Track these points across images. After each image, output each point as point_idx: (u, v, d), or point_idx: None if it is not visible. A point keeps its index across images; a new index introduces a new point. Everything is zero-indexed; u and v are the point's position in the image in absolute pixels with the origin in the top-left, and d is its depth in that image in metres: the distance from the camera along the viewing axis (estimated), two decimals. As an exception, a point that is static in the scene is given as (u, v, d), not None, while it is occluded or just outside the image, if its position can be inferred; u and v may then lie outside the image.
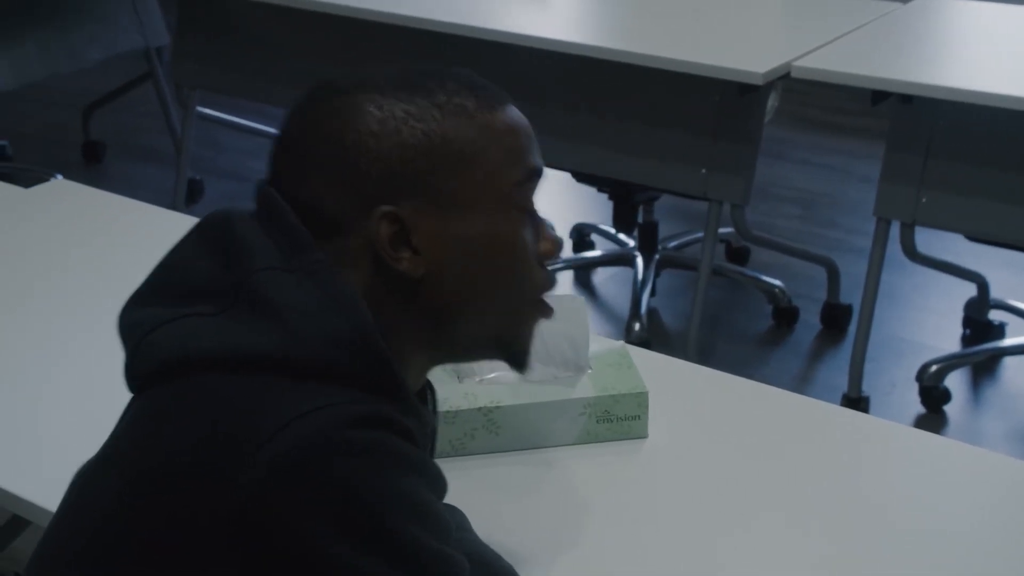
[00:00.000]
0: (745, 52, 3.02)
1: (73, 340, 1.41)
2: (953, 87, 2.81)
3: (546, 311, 1.25)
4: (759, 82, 2.90)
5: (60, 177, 2.51)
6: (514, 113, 1.20)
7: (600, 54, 3.13)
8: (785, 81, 3.13)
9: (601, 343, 1.72)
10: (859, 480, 1.59)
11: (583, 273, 3.93)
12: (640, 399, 1.63)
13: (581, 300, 1.66)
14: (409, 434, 1.08)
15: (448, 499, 1.50)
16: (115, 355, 1.16)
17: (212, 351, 1.09)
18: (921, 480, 1.61)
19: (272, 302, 1.10)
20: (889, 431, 1.75)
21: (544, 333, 1.62)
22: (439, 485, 1.15)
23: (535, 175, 1.20)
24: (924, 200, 3.01)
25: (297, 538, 1.02)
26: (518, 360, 1.24)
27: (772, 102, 3.44)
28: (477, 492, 1.55)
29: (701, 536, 1.48)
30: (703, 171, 3.23)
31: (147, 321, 1.14)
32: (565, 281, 3.86)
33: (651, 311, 3.65)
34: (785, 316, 3.63)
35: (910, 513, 1.53)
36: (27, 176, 2.82)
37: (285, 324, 1.09)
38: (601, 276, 3.91)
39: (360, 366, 1.10)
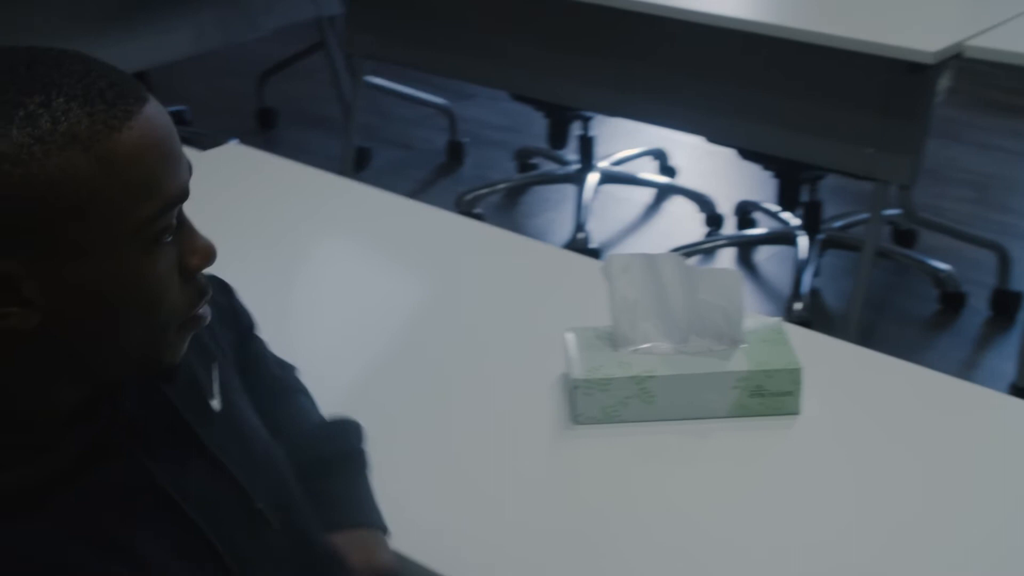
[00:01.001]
0: (917, 30, 2.97)
1: (245, 293, 1.48)
2: None
3: (197, 323, 1.12)
4: (929, 61, 2.85)
5: (235, 142, 2.60)
6: (147, 127, 1.01)
7: (767, 31, 3.10)
8: (960, 61, 3.08)
9: (757, 319, 1.73)
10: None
11: (745, 251, 3.91)
12: (793, 375, 1.63)
13: (737, 273, 1.66)
14: None
15: (597, 468, 1.57)
16: (286, 311, 1.20)
17: None
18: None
19: None
20: None
21: (699, 306, 1.66)
22: None
23: (172, 202, 1.04)
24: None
25: None
26: (165, 375, 1.14)
27: (945, 82, 3.38)
28: (629, 459, 1.60)
29: (848, 517, 1.49)
30: (870, 150, 3.18)
31: None
32: (727, 258, 3.86)
33: (813, 291, 3.62)
34: (952, 301, 3.57)
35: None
36: (204, 140, 2.91)
37: None
38: (763, 254, 3.89)
39: None
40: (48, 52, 1.00)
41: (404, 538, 1.42)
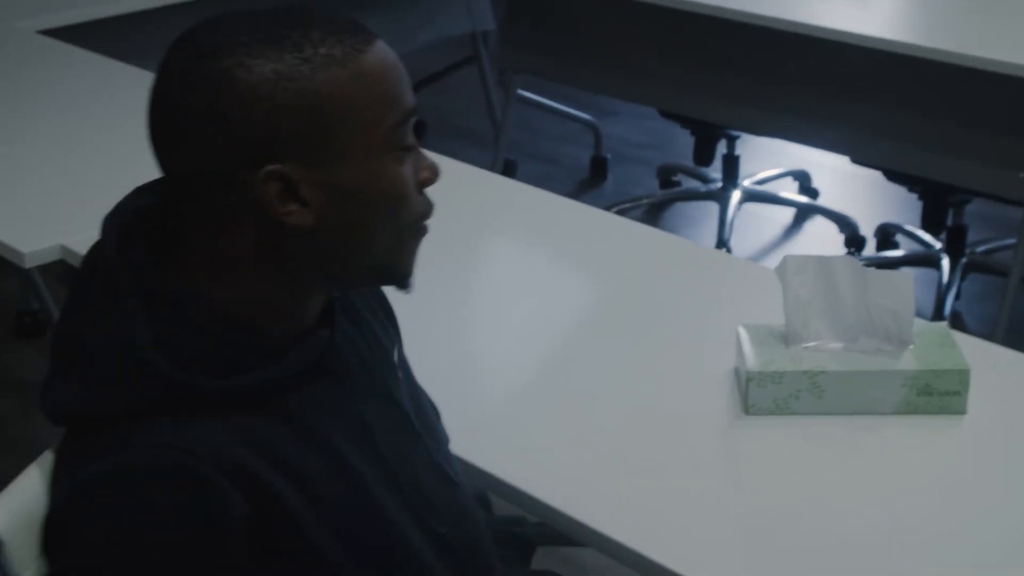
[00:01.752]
0: None
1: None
2: None
3: (423, 232, 1.26)
4: (1088, 86, 2.88)
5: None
6: (381, 52, 1.18)
7: (918, 52, 3.12)
8: None
9: (923, 323, 1.77)
10: None
11: (886, 272, 3.94)
12: (962, 376, 1.67)
13: (909, 275, 1.71)
14: (187, 462, 1.09)
15: (768, 457, 1.63)
16: (459, 307, 1.25)
17: (62, 417, 1.18)
18: None
19: (89, 358, 1.15)
20: None
21: (871, 307, 1.71)
22: (190, 536, 1.11)
23: (409, 114, 1.19)
24: None
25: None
26: (403, 282, 1.26)
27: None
28: (798, 449, 1.65)
29: (1011, 518, 1.52)
30: (1021, 175, 3.21)
31: (47, 377, 1.20)
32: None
33: (954, 314, 3.63)
34: (1097, 329, 3.57)
35: None
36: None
37: (98, 374, 1.14)
38: (904, 277, 3.91)
39: (162, 398, 1.13)
40: (294, 5, 1.18)
41: (595, 512, 1.50)
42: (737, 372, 1.76)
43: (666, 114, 4.09)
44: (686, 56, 3.78)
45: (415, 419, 1.36)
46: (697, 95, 3.84)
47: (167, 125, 1.16)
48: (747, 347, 1.73)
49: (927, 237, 3.87)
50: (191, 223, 1.18)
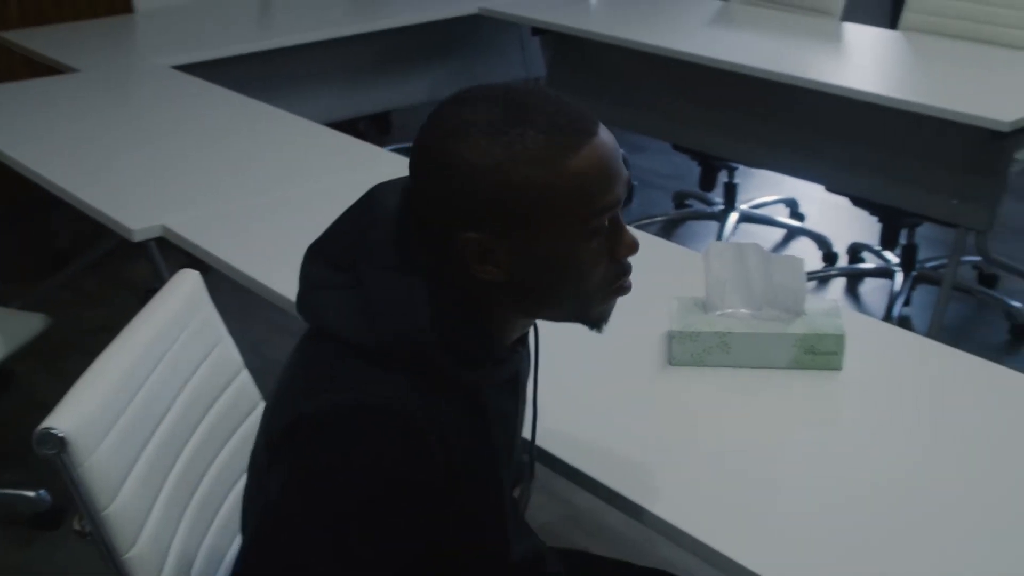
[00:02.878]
0: (999, 104, 3.01)
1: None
2: None
3: (621, 292, 1.28)
4: (1005, 129, 2.90)
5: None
6: (592, 154, 1.17)
7: (879, 100, 3.16)
8: None
9: (820, 301, 1.85)
10: None
11: (852, 282, 3.97)
12: (839, 339, 1.75)
13: (800, 260, 1.79)
14: (413, 424, 1.15)
15: (685, 398, 1.71)
16: None
17: (328, 328, 1.21)
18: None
19: (371, 301, 1.19)
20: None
21: (772, 284, 1.81)
22: (409, 478, 1.17)
23: (606, 209, 1.19)
24: None
25: (278, 476, 1.18)
26: (595, 327, 1.30)
27: (1025, 152, 3.43)
28: (709, 394, 1.73)
29: (868, 448, 1.61)
30: (954, 201, 3.25)
31: (309, 279, 1.26)
32: (837, 287, 3.94)
33: (902, 318, 3.66)
34: (1021, 333, 3.58)
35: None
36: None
37: (373, 320, 1.18)
38: (867, 286, 3.95)
39: (416, 360, 1.18)
40: (532, 93, 1.19)
41: (552, 442, 1.59)
42: (667, 333, 1.86)
43: (678, 147, 4.17)
44: (695, 99, 3.86)
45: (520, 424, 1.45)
46: (703, 132, 3.91)
47: (415, 175, 1.21)
48: (675, 313, 1.83)
49: (888, 254, 3.91)
50: (430, 244, 1.22)
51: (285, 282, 2.07)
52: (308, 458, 1.17)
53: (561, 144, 1.16)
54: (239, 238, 2.31)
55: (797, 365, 1.77)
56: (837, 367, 1.77)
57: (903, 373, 1.80)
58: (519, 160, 1.15)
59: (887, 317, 3.59)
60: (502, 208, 1.16)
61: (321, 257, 1.27)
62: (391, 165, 2.76)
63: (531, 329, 1.39)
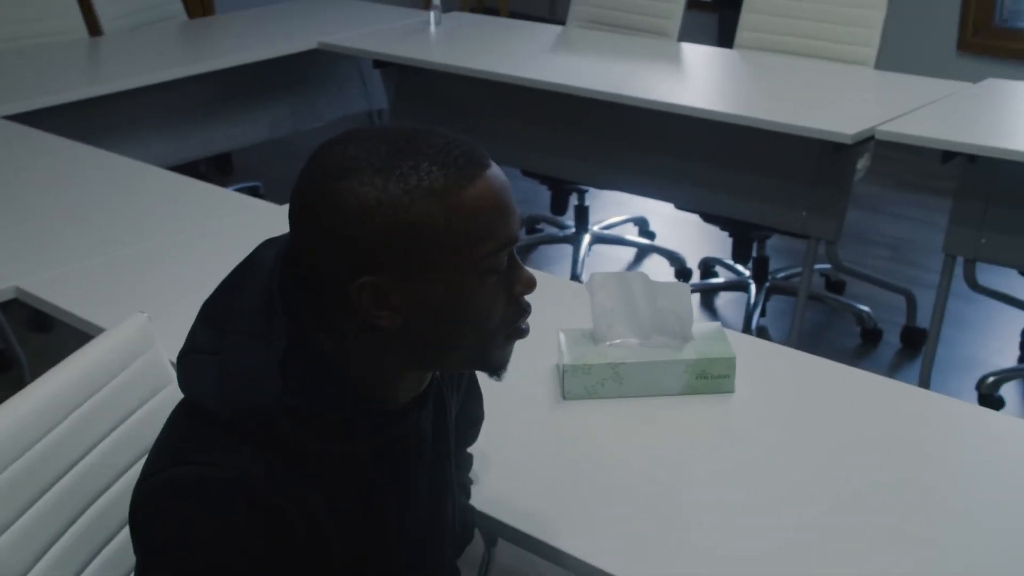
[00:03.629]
0: (840, 118, 3.11)
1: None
2: (1010, 148, 2.87)
3: (519, 335, 1.23)
4: (848, 141, 3.00)
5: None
6: (487, 186, 1.13)
7: (724, 118, 3.24)
8: (884, 149, 3.23)
9: (703, 324, 1.87)
10: (909, 441, 1.70)
11: (707, 296, 4.04)
12: (729, 362, 1.77)
13: (686, 286, 1.81)
14: (259, 493, 1.09)
15: (582, 432, 1.69)
16: None
17: (188, 392, 1.17)
18: (968, 450, 1.72)
19: (226, 369, 1.13)
20: (939, 403, 1.81)
21: (658, 311, 1.82)
22: (253, 554, 1.11)
23: (504, 245, 1.15)
24: (984, 240, 3.09)
25: (135, 546, 1.15)
26: (493, 373, 1.24)
27: (865, 162, 3.55)
28: (605, 425, 1.72)
29: (765, 466, 1.63)
30: (803, 213, 3.34)
31: (187, 339, 1.20)
32: (692, 301, 3.99)
33: (760, 328, 3.75)
34: (871, 336, 3.70)
35: (948, 471, 1.65)
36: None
37: (226, 390, 1.13)
38: (722, 299, 4.03)
39: (274, 433, 1.12)
40: (418, 130, 1.14)
41: None
42: (557, 367, 1.84)
43: (527, 173, 4.18)
44: (541, 124, 3.88)
45: (454, 471, 1.38)
46: (550, 157, 3.92)
47: (299, 225, 1.14)
48: (564, 346, 1.82)
49: (739, 267, 4.00)
50: (314, 298, 1.16)
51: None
52: (152, 535, 1.13)
53: (456, 176, 1.11)
54: (92, 293, 2.20)
55: (690, 391, 1.78)
56: (730, 390, 1.78)
57: (791, 390, 1.83)
58: (415, 193, 1.09)
59: (746, 329, 3.66)
60: (399, 245, 1.10)
61: (204, 317, 1.21)
62: (236, 206, 2.70)
63: (436, 394, 1.33)
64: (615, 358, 1.77)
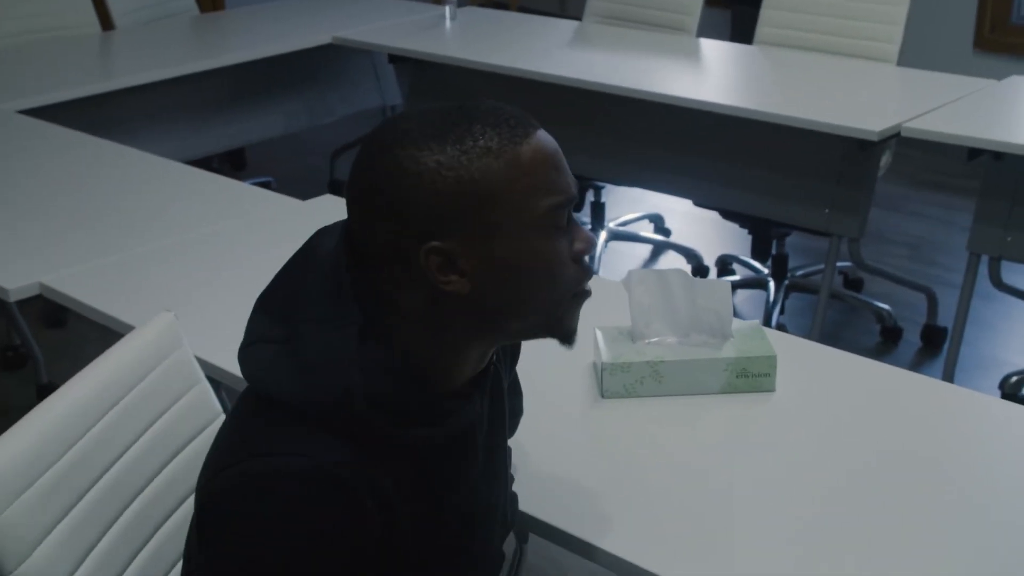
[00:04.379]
0: (865, 115, 3.09)
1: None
2: None
3: (584, 296, 1.23)
4: (874, 139, 2.98)
5: (328, 195, 2.74)
6: (540, 144, 1.15)
7: (744, 114, 3.22)
8: (904, 147, 3.21)
9: (742, 323, 1.85)
10: (945, 441, 1.69)
11: (725, 294, 4.03)
12: (770, 361, 1.75)
13: (726, 283, 1.79)
14: (341, 486, 1.09)
15: (621, 431, 1.67)
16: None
17: (260, 385, 1.16)
18: (997, 442, 1.71)
19: (301, 358, 1.13)
20: (973, 400, 1.80)
21: (698, 309, 1.80)
22: (334, 542, 1.10)
23: (564, 201, 1.16)
24: (1009, 239, 3.07)
25: (204, 551, 1.13)
26: (565, 339, 1.24)
27: (887, 159, 3.53)
28: (644, 424, 1.70)
29: (808, 465, 1.61)
30: (826, 210, 3.32)
31: (249, 331, 1.21)
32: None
33: (779, 326, 3.72)
34: (891, 335, 3.68)
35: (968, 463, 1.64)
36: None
37: (303, 379, 1.12)
38: (740, 297, 4.01)
39: (348, 420, 1.12)
40: (466, 101, 1.17)
41: None
42: (595, 365, 1.82)
43: (543, 170, 4.15)
44: (558, 120, 3.81)
45: (506, 461, 1.38)
46: (568, 152, 3.87)
47: (360, 203, 1.15)
48: (602, 344, 1.80)
49: (757, 264, 3.97)
50: (380, 278, 1.16)
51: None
52: (230, 529, 1.11)
53: (509, 134, 1.13)
54: (109, 289, 2.18)
55: (730, 389, 1.76)
56: (771, 388, 1.77)
57: (833, 389, 1.81)
58: (472, 153, 1.11)
59: (766, 327, 3.62)
60: (462, 206, 1.11)
61: (263, 309, 1.21)
62: (253, 200, 2.68)
63: (495, 380, 1.32)
64: (654, 356, 1.75)
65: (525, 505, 1.52)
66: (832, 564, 1.41)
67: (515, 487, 1.54)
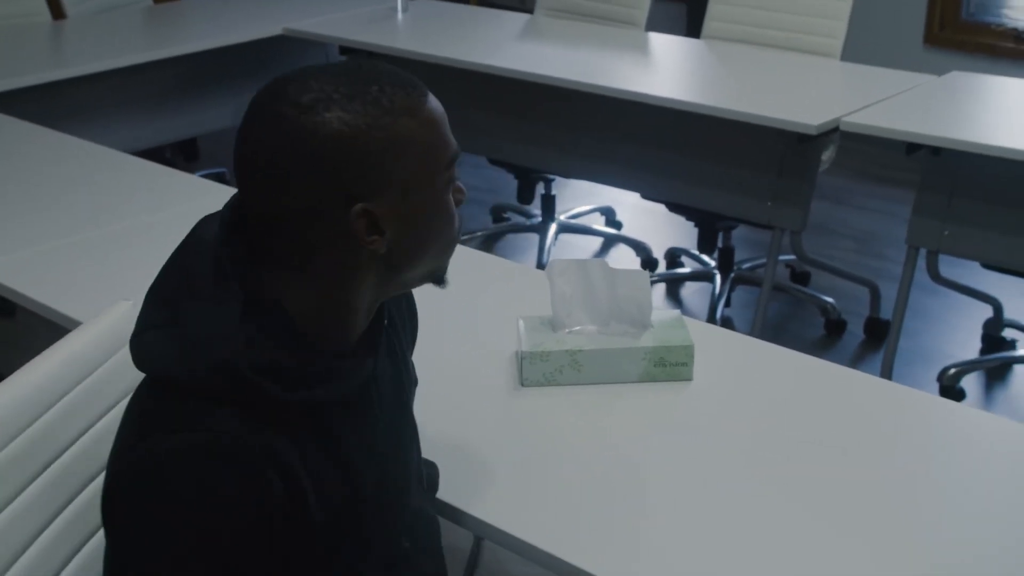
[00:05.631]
0: (805, 109, 3.12)
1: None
2: (973, 141, 2.88)
3: (456, 241, 1.28)
4: (813, 132, 3.01)
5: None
6: (435, 102, 1.20)
7: (690, 108, 3.24)
8: (853, 141, 3.24)
9: (662, 312, 1.86)
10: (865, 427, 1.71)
11: (673, 286, 4.05)
12: (688, 350, 1.77)
13: (645, 274, 1.80)
14: (241, 458, 1.11)
15: (539, 419, 1.69)
16: None
17: (151, 369, 1.18)
18: (910, 432, 1.72)
19: (186, 335, 1.15)
20: (899, 393, 1.81)
21: (618, 298, 1.82)
22: (240, 512, 1.12)
23: (457, 153, 1.22)
24: (947, 233, 3.10)
25: (111, 536, 1.15)
26: (440, 281, 1.29)
27: (830, 153, 3.57)
28: (563, 413, 1.71)
29: (723, 453, 1.63)
30: (769, 203, 3.35)
31: (138, 322, 1.22)
32: (658, 292, 4.00)
33: (725, 319, 3.76)
34: (835, 327, 3.71)
35: (907, 455, 1.66)
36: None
37: (188, 354, 1.14)
38: (688, 289, 4.04)
39: (240, 392, 1.13)
40: (360, 61, 1.19)
41: None
42: (516, 353, 1.84)
43: (494, 161, 4.17)
44: (508, 113, 3.87)
45: (413, 422, 1.41)
46: (517, 145, 3.92)
47: (264, 169, 1.13)
48: (523, 333, 1.81)
49: (705, 257, 4.00)
50: (279, 248, 1.17)
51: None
52: (135, 511, 1.12)
53: (415, 94, 1.17)
54: (57, 279, 2.18)
55: (648, 378, 1.78)
56: (688, 377, 1.78)
57: (749, 378, 1.83)
58: (393, 113, 1.14)
59: (711, 319, 3.67)
60: (389, 164, 1.14)
61: (151, 299, 1.22)
62: (202, 191, 2.67)
63: (391, 341, 1.35)
64: (573, 345, 1.77)
65: (442, 493, 1.53)
66: (747, 551, 1.43)
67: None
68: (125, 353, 1.49)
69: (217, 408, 1.13)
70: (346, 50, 4.19)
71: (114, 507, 1.15)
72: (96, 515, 1.44)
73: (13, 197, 2.60)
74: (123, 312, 1.53)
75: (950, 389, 3.29)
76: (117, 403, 1.49)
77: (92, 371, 1.44)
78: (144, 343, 1.19)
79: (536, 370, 1.76)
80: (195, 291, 1.17)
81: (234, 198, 1.23)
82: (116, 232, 2.39)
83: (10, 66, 3.74)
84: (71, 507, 1.40)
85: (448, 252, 1.28)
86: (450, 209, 1.23)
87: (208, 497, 1.11)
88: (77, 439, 1.41)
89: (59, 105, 3.73)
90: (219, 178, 4.89)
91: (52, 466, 1.37)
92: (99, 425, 1.45)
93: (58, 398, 1.38)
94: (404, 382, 1.38)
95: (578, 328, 1.81)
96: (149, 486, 1.12)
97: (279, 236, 1.17)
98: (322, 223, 1.15)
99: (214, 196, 2.60)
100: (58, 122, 3.25)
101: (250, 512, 1.12)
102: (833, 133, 3.17)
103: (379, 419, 1.30)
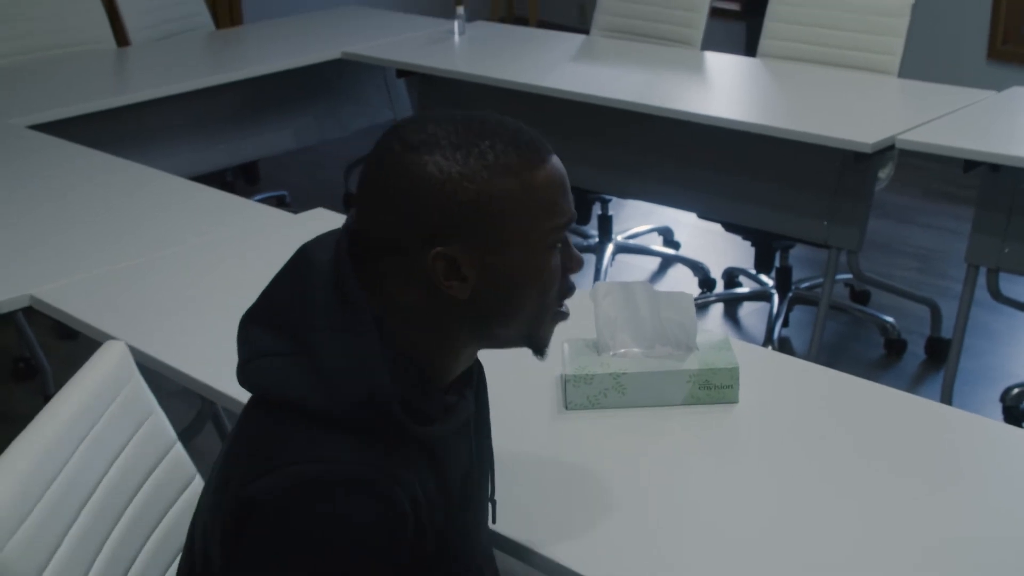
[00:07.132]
0: (861, 127, 3.09)
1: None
2: None
3: (563, 316, 1.29)
4: (868, 151, 2.98)
5: (321, 208, 2.77)
6: (553, 169, 1.21)
7: (747, 128, 3.23)
8: (914, 158, 3.19)
9: (710, 335, 1.85)
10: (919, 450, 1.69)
11: (730, 306, 4.02)
12: (733, 372, 1.76)
13: (689, 296, 1.80)
14: (383, 491, 1.13)
15: (583, 443, 1.68)
16: None
17: (275, 394, 1.18)
18: (968, 458, 1.69)
19: (326, 368, 1.16)
20: (952, 416, 1.78)
21: (663, 321, 1.81)
22: (384, 549, 1.14)
23: (566, 223, 1.23)
24: (1007, 250, 3.06)
25: (238, 555, 1.14)
26: (539, 350, 1.30)
27: (888, 171, 3.52)
28: (607, 435, 1.71)
29: (768, 477, 1.61)
30: (825, 223, 3.32)
31: (249, 347, 1.23)
32: (715, 313, 3.98)
33: (782, 339, 3.72)
34: (895, 347, 3.66)
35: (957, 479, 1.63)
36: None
37: (332, 387, 1.15)
38: (745, 309, 4.01)
39: (373, 422, 1.16)
40: (487, 115, 1.22)
41: None
42: (560, 376, 1.83)
43: (550, 183, 4.16)
44: (565, 134, 3.86)
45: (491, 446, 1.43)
46: (574, 166, 3.87)
47: (374, 195, 1.19)
48: (567, 356, 1.81)
49: (764, 277, 3.97)
50: (379, 273, 1.20)
51: (168, 347, 2.00)
52: (278, 540, 1.12)
53: (528, 156, 1.19)
54: (114, 304, 2.22)
55: (693, 401, 1.77)
56: (733, 400, 1.77)
57: (797, 401, 1.81)
58: (493, 170, 1.17)
59: (767, 340, 3.63)
60: (476, 217, 1.17)
61: (258, 325, 1.24)
62: (260, 216, 2.70)
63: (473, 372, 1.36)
64: (617, 368, 1.76)
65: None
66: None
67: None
68: (125, 396, 1.51)
69: (352, 440, 1.15)
70: (403, 72, 4.22)
71: (256, 526, 1.14)
72: (123, 563, 1.45)
73: (67, 220, 2.65)
74: (119, 353, 1.54)
75: (1013, 409, 3.23)
76: (123, 447, 1.49)
77: (98, 419, 1.45)
78: (263, 370, 1.20)
79: (580, 393, 1.76)
80: (323, 320, 1.19)
81: (349, 221, 1.25)
82: (168, 256, 2.43)
83: (75, 93, 3.82)
84: (107, 545, 1.42)
85: (545, 318, 1.27)
86: (549, 273, 1.23)
87: (352, 526, 1.12)
88: (96, 487, 1.42)
89: (122, 130, 3.80)
90: (280, 200, 4.96)
91: (82, 512, 1.38)
92: (112, 472, 1.46)
93: (75, 447, 1.39)
94: (485, 410, 1.41)
95: (623, 351, 1.81)
96: (303, 508, 1.12)
97: (380, 263, 1.20)
98: (406, 259, 1.18)
99: (264, 220, 2.64)
100: (121, 147, 3.31)
101: (390, 545, 1.14)
102: (890, 151, 3.13)
103: (472, 452, 1.33)
